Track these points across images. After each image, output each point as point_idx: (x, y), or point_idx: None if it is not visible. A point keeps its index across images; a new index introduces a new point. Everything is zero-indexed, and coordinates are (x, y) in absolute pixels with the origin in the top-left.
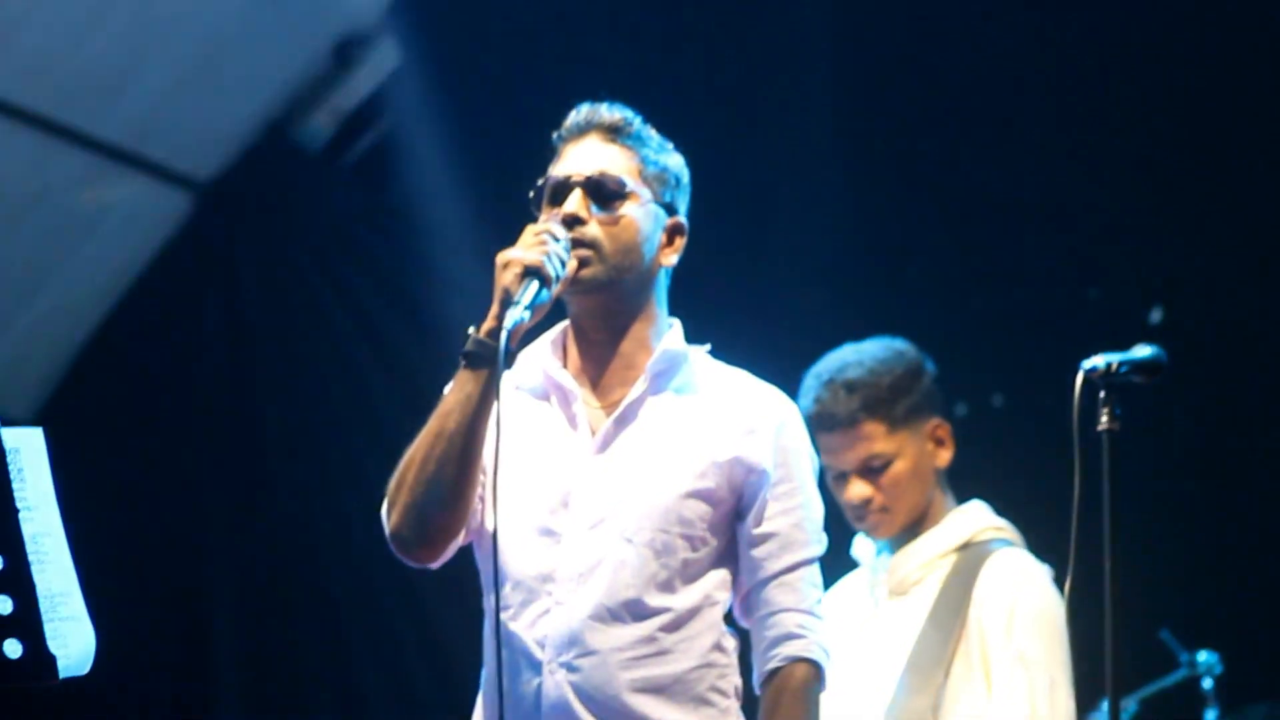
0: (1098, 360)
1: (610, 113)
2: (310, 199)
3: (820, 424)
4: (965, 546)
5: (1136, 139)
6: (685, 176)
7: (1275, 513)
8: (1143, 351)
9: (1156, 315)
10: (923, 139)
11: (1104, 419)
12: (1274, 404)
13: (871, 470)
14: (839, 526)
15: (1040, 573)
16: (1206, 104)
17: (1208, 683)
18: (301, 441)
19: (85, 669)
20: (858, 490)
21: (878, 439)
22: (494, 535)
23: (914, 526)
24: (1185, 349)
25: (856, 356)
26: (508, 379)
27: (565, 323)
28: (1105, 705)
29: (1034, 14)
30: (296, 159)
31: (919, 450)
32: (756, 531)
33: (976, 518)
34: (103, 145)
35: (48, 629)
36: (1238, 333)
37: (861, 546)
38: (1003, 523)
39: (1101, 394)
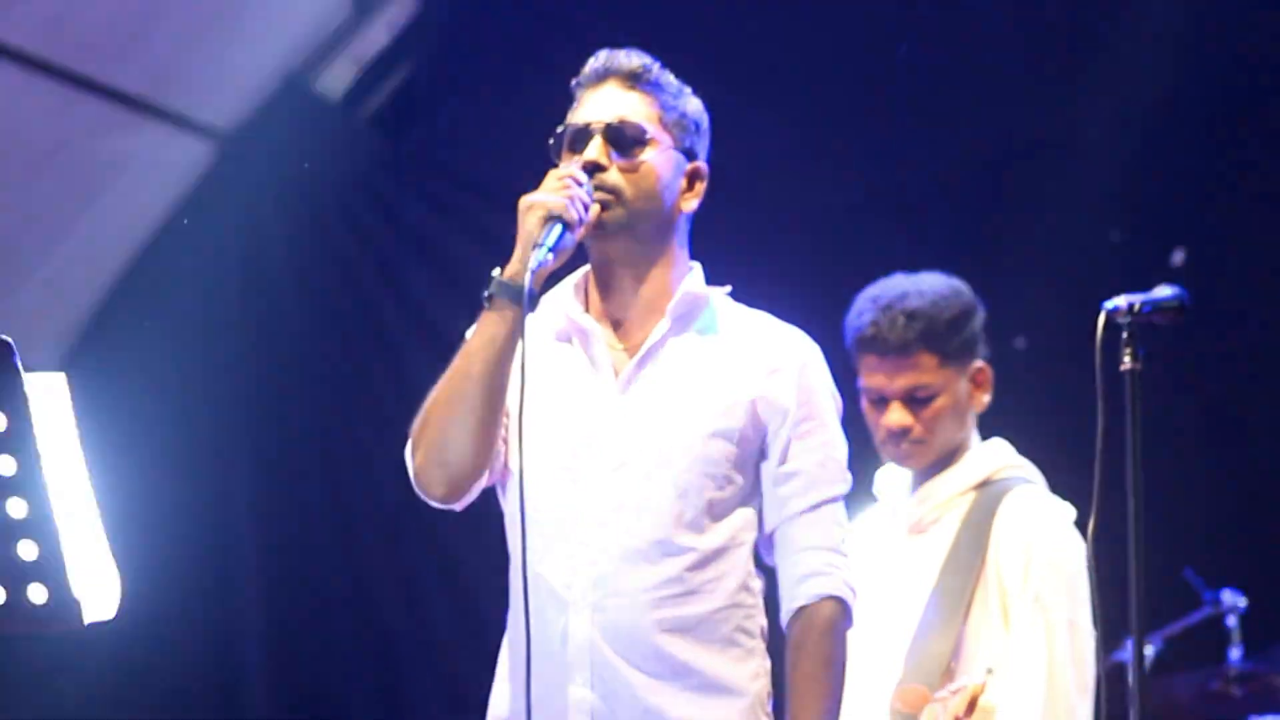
0: (1120, 301)
1: (629, 59)
2: (331, 147)
3: (873, 347)
4: (984, 484)
5: (1158, 79)
6: (705, 121)
7: None
8: (1165, 292)
9: (1179, 256)
10: (946, 81)
11: (1126, 359)
12: None
13: (916, 400)
14: (861, 462)
15: (1058, 512)
16: (1228, 44)
17: (1232, 621)
18: (325, 387)
19: (111, 614)
20: (898, 417)
21: (928, 370)
22: (520, 476)
23: (940, 463)
24: (1208, 289)
25: (917, 287)
26: (530, 321)
27: (586, 267)
28: (1130, 644)
29: None
30: (317, 107)
31: (961, 390)
32: (781, 470)
33: (997, 456)
34: (123, 95)
35: (71, 575)
36: (1261, 273)
37: (883, 482)
38: (1023, 461)
39: (1124, 335)
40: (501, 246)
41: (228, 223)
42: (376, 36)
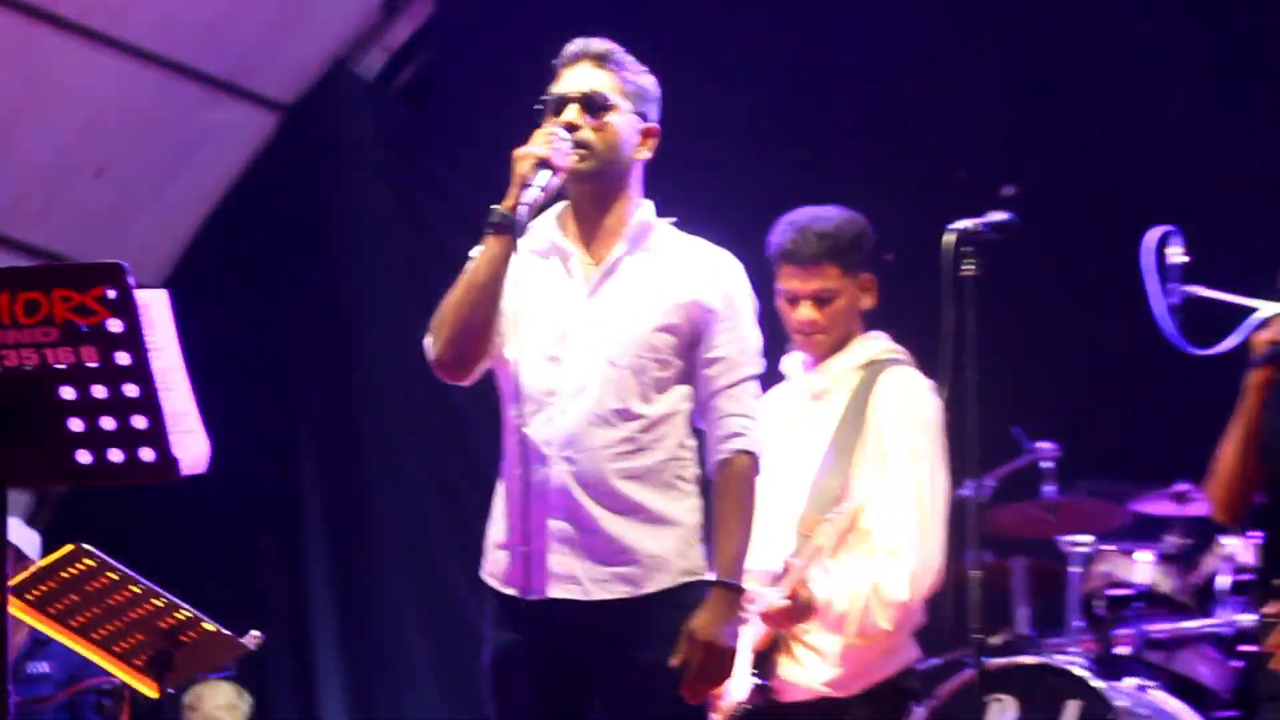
0: (963, 223)
1: (598, 44)
2: (368, 116)
3: (790, 258)
4: (869, 364)
5: (998, 54)
6: (657, 92)
7: (1100, 338)
8: (998, 216)
9: (1009, 189)
10: (841, 44)
11: (968, 267)
12: (1102, 252)
13: (821, 300)
14: (774, 350)
15: (924, 384)
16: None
17: (1047, 465)
18: (368, 308)
19: (202, 469)
20: (807, 313)
21: (832, 278)
22: (514, 360)
23: (835, 348)
24: (1031, 216)
25: (826, 213)
26: (521, 243)
27: (565, 202)
28: (970, 483)
29: None
30: (357, 85)
31: (855, 293)
32: (708, 356)
33: (878, 343)
34: (212, 78)
35: (172, 439)
36: (1076, 203)
37: (788, 363)
38: (898, 347)
39: (967, 248)
40: (502, 188)
41: (290, 177)
42: (402, 30)
